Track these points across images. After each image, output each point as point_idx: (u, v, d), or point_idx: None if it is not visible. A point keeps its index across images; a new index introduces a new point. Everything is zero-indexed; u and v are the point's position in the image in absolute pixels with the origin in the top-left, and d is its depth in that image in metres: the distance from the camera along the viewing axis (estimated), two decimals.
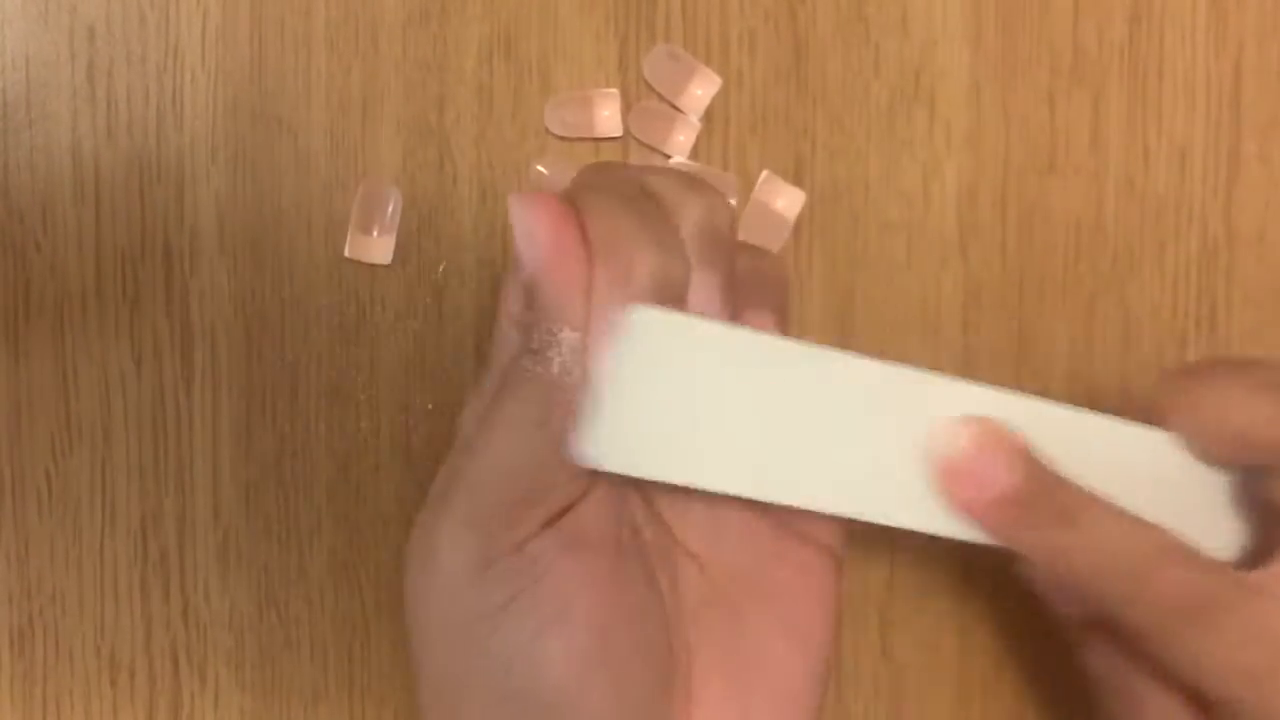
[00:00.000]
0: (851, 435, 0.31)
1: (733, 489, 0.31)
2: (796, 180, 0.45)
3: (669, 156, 0.45)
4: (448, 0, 0.44)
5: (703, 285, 0.31)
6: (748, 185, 0.45)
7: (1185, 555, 0.32)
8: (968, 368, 0.45)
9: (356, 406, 0.45)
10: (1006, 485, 0.31)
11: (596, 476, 0.31)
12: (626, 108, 0.45)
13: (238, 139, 0.44)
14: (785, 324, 0.34)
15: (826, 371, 0.31)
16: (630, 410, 0.30)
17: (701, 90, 0.45)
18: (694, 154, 0.45)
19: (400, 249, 0.44)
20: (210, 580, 0.45)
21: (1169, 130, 0.45)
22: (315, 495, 0.45)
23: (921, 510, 0.32)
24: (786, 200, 0.45)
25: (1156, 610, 0.31)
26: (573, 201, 0.30)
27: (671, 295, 0.30)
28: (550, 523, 0.30)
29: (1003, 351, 0.45)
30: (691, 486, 0.30)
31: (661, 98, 0.45)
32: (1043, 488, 0.32)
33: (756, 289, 0.33)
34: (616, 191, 0.31)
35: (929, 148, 0.45)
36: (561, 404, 0.29)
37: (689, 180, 0.32)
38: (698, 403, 0.30)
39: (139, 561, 0.45)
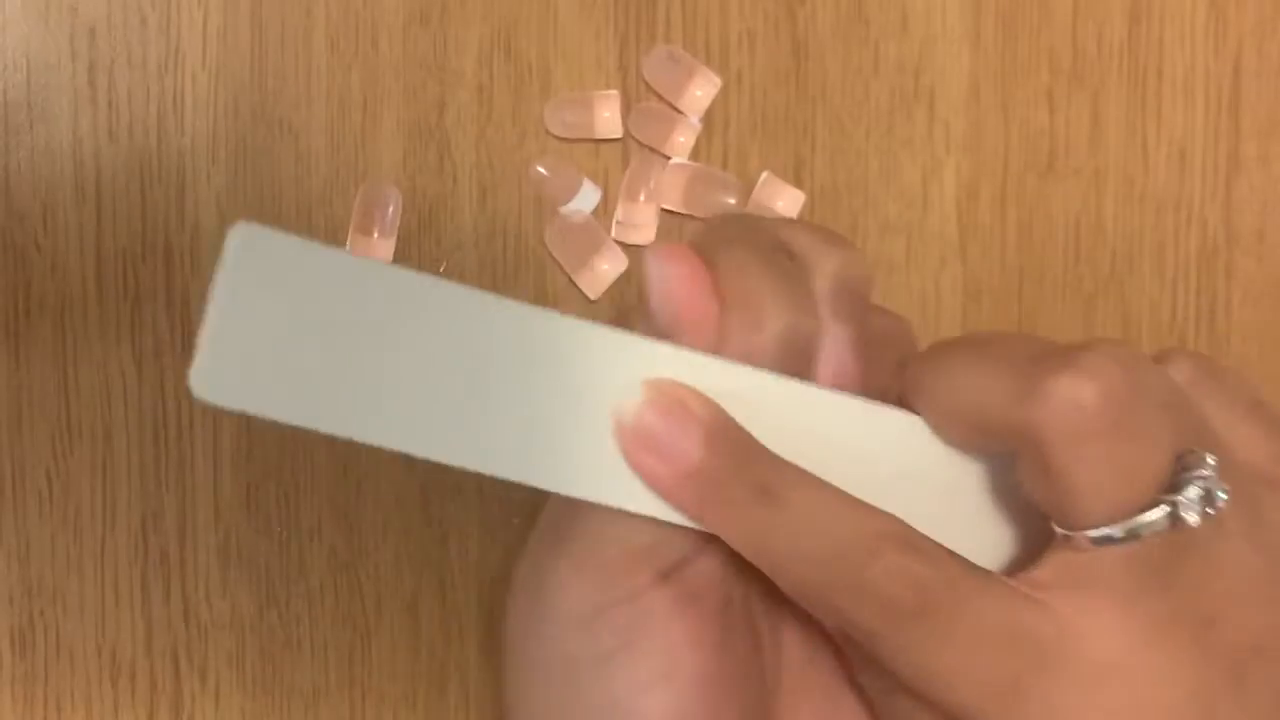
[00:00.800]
0: (526, 392, 0.28)
1: (372, 438, 0.28)
2: (796, 181, 0.45)
3: (669, 157, 0.45)
4: (448, 0, 0.44)
5: (836, 340, 0.30)
6: (748, 186, 0.45)
7: (910, 543, 0.28)
8: None
9: None
10: (694, 457, 0.28)
11: (713, 536, 0.29)
12: (626, 109, 0.45)
13: (238, 139, 0.44)
14: None
15: (498, 319, 0.28)
16: (245, 342, 0.27)
17: (701, 91, 0.45)
18: (694, 155, 0.45)
19: (400, 249, 0.45)
20: (211, 580, 0.45)
21: (1168, 130, 0.45)
22: (315, 495, 0.45)
23: (614, 484, 0.28)
24: (786, 201, 0.45)
25: (875, 606, 0.27)
26: (706, 254, 0.30)
27: (800, 351, 0.29)
28: (665, 576, 0.29)
29: None
30: (327, 431, 0.27)
31: (661, 99, 0.45)
32: (738, 461, 0.28)
33: (889, 349, 0.32)
34: (751, 243, 0.30)
35: (929, 148, 0.45)
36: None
37: (825, 234, 0.31)
38: (327, 339, 0.27)
39: (139, 561, 0.45)
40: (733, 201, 0.45)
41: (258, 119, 0.44)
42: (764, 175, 0.45)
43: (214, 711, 0.45)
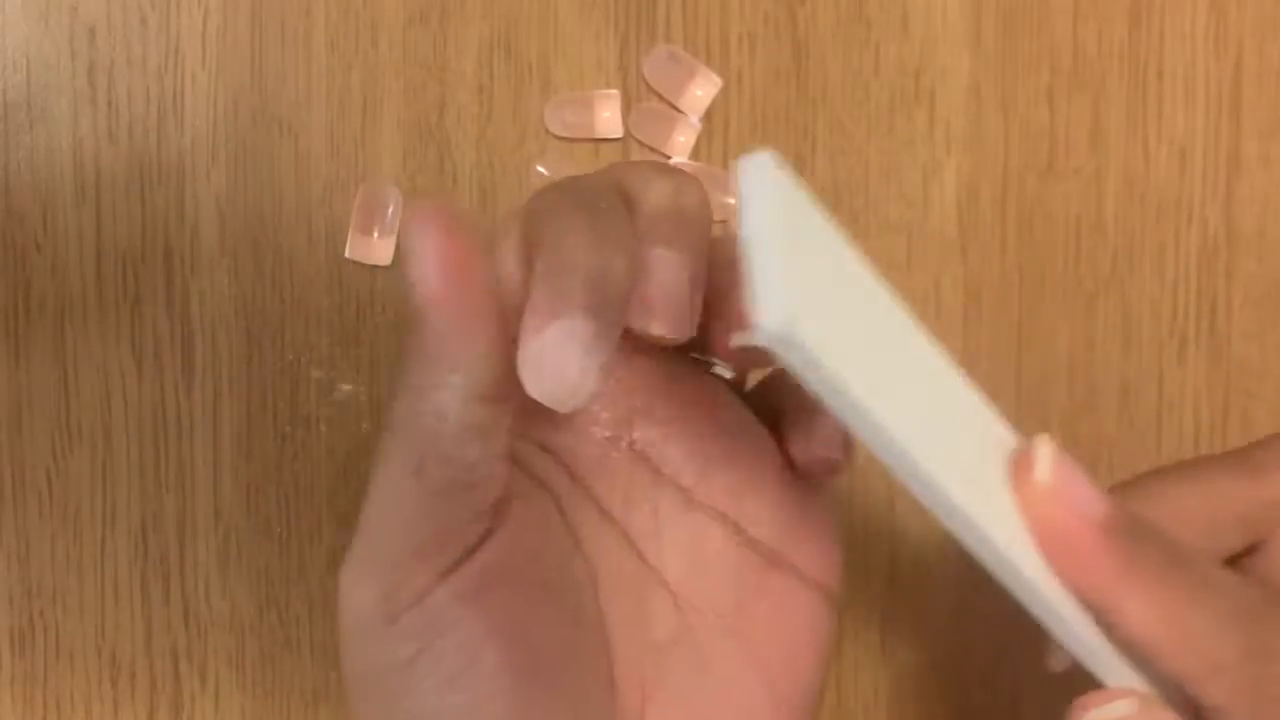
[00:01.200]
0: (959, 428, 0.29)
1: (891, 426, 0.27)
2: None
3: (669, 157, 0.45)
4: (448, 1, 0.44)
5: (663, 263, 0.28)
6: None
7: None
8: (968, 367, 0.45)
9: (356, 406, 0.45)
10: (1100, 509, 0.29)
11: (497, 518, 0.28)
12: (627, 108, 0.45)
13: (238, 140, 0.44)
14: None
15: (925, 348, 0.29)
16: (794, 277, 0.25)
17: (702, 91, 0.45)
18: (694, 154, 0.45)
19: (400, 249, 0.45)
20: (211, 581, 0.45)
21: (1169, 130, 0.45)
22: (315, 495, 0.45)
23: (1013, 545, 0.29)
24: None
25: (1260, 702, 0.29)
26: (531, 225, 0.28)
27: (617, 290, 0.27)
28: (449, 572, 0.28)
29: (1003, 351, 0.45)
30: (859, 404, 0.26)
31: (662, 98, 0.45)
32: (1139, 524, 0.29)
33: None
34: (566, 194, 0.28)
35: (929, 148, 0.45)
36: (436, 453, 0.27)
37: (654, 167, 0.30)
38: (842, 295, 0.27)
39: (139, 562, 0.45)
40: (733, 202, 0.45)
41: (258, 119, 0.44)
42: None
43: (214, 711, 0.45)
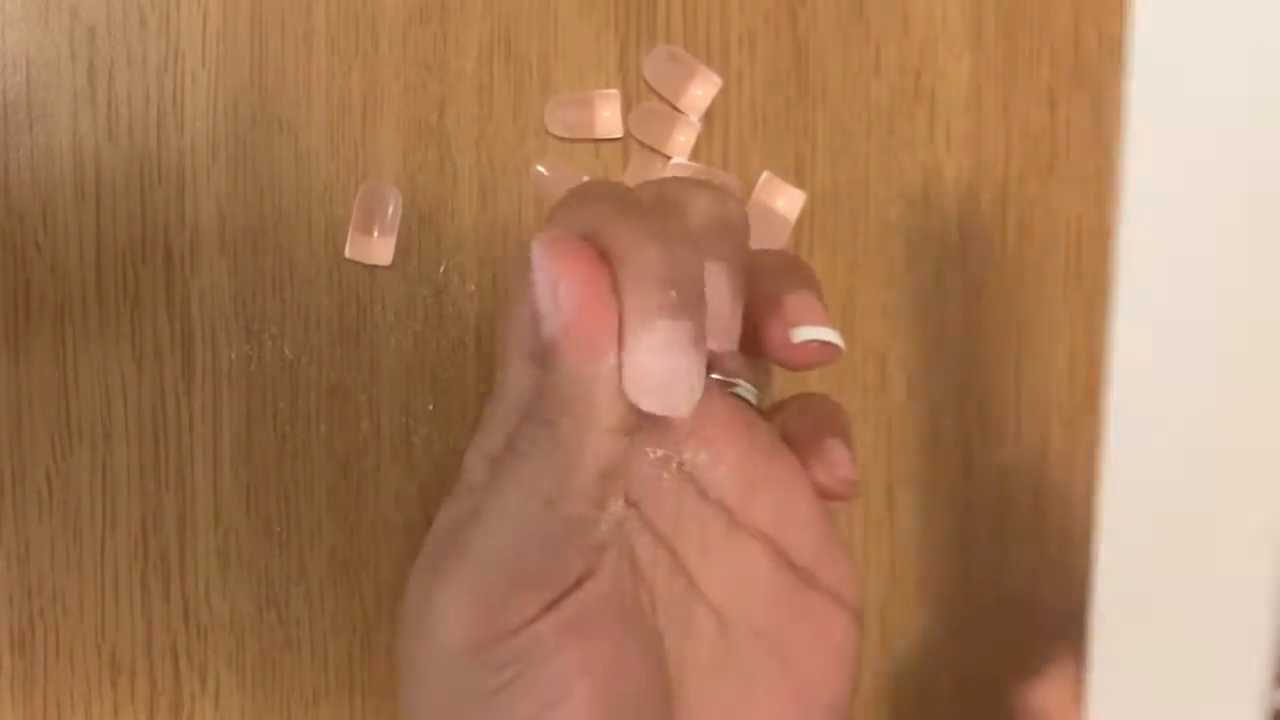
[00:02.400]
0: None
1: None
2: (797, 181, 0.45)
3: (669, 157, 0.45)
4: (448, 0, 0.44)
5: (712, 276, 0.28)
6: (748, 186, 0.45)
7: None
8: (967, 367, 0.45)
9: (356, 406, 0.45)
10: None
11: (600, 553, 0.29)
12: (627, 108, 0.45)
13: (238, 139, 0.44)
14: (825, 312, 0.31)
15: None
16: None
17: (702, 91, 0.45)
18: (694, 154, 0.45)
19: (400, 249, 0.45)
20: (210, 581, 0.45)
21: None
22: (315, 495, 0.45)
23: None
24: (787, 201, 0.45)
25: None
26: (595, 239, 0.27)
27: (697, 294, 0.28)
28: (554, 604, 0.28)
29: (1003, 352, 0.45)
30: None
31: (662, 98, 0.45)
32: None
33: (770, 283, 0.31)
34: (626, 203, 0.28)
35: (929, 148, 0.45)
36: (573, 485, 0.27)
37: (692, 180, 0.30)
38: None
39: (139, 562, 0.45)
40: None
41: (258, 119, 0.44)
42: (764, 175, 0.45)
43: (214, 712, 0.45)
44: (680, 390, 0.27)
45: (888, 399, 0.45)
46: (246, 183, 0.44)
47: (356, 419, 0.45)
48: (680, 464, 0.30)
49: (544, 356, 0.27)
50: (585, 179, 0.44)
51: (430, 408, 0.45)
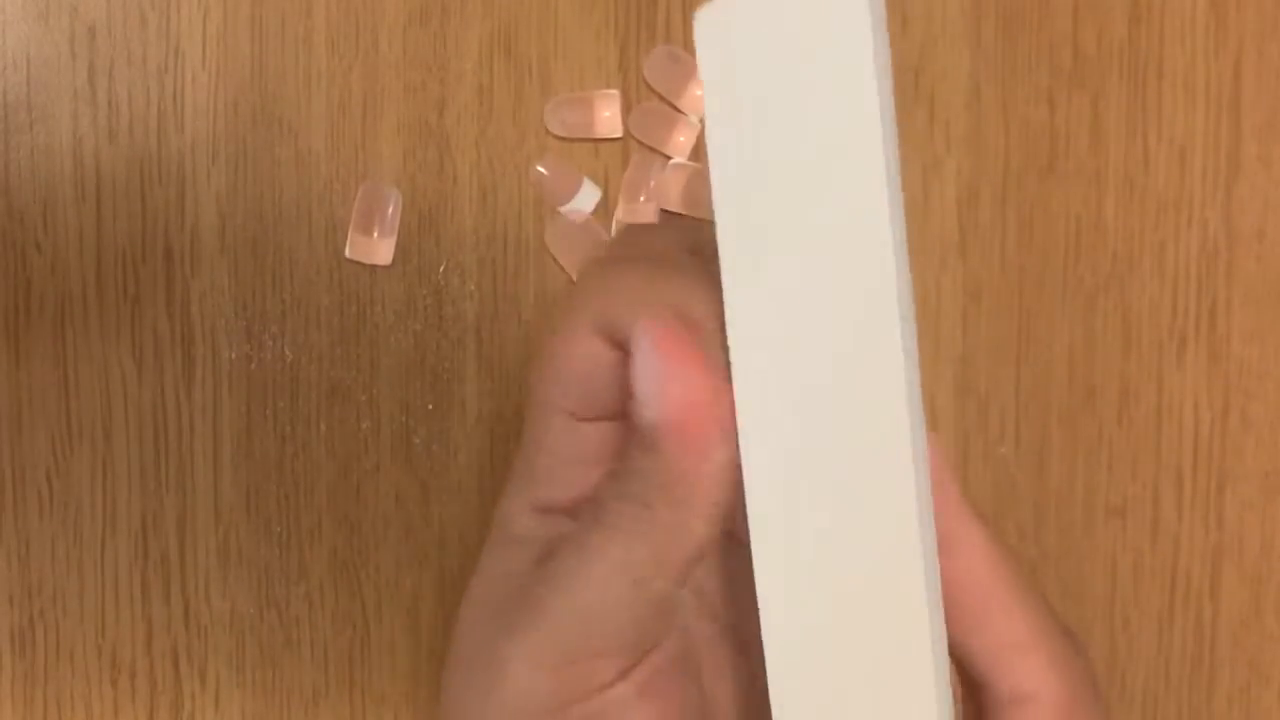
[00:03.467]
0: None
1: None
2: None
3: (669, 157, 0.45)
4: (448, 0, 0.44)
5: None
6: None
7: None
8: (967, 367, 0.45)
9: (356, 406, 0.45)
10: None
11: (676, 618, 0.29)
12: (627, 108, 0.45)
13: (238, 139, 0.44)
14: None
15: None
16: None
17: (702, 91, 0.45)
18: (694, 155, 0.45)
19: (400, 249, 0.45)
20: (211, 580, 0.45)
21: (1169, 130, 0.45)
22: (315, 495, 0.45)
23: None
24: None
25: None
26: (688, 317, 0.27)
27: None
28: (627, 671, 0.28)
29: (1003, 352, 0.45)
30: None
31: (662, 98, 0.45)
32: None
33: None
34: (701, 272, 0.28)
35: (929, 148, 0.45)
36: (666, 569, 0.27)
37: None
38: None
39: (139, 562, 0.45)
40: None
41: (258, 119, 0.44)
42: None
43: (214, 711, 0.45)
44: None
45: None
46: (246, 183, 0.44)
47: (356, 419, 0.45)
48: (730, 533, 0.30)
49: (642, 439, 0.27)
50: (584, 178, 0.44)
51: (430, 408, 0.45)
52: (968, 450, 0.45)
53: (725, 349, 0.26)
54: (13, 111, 0.44)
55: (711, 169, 0.24)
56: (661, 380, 0.26)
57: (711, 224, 0.27)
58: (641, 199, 0.44)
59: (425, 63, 0.44)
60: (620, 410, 0.28)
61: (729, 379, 0.26)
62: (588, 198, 0.45)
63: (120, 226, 0.44)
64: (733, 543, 0.30)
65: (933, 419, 0.45)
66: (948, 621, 0.26)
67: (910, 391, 0.23)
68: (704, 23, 0.23)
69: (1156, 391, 0.45)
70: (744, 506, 0.26)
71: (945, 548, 0.27)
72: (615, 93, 0.45)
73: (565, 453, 0.29)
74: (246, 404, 0.45)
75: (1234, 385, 0.45)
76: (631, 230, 0.30)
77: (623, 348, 0.27)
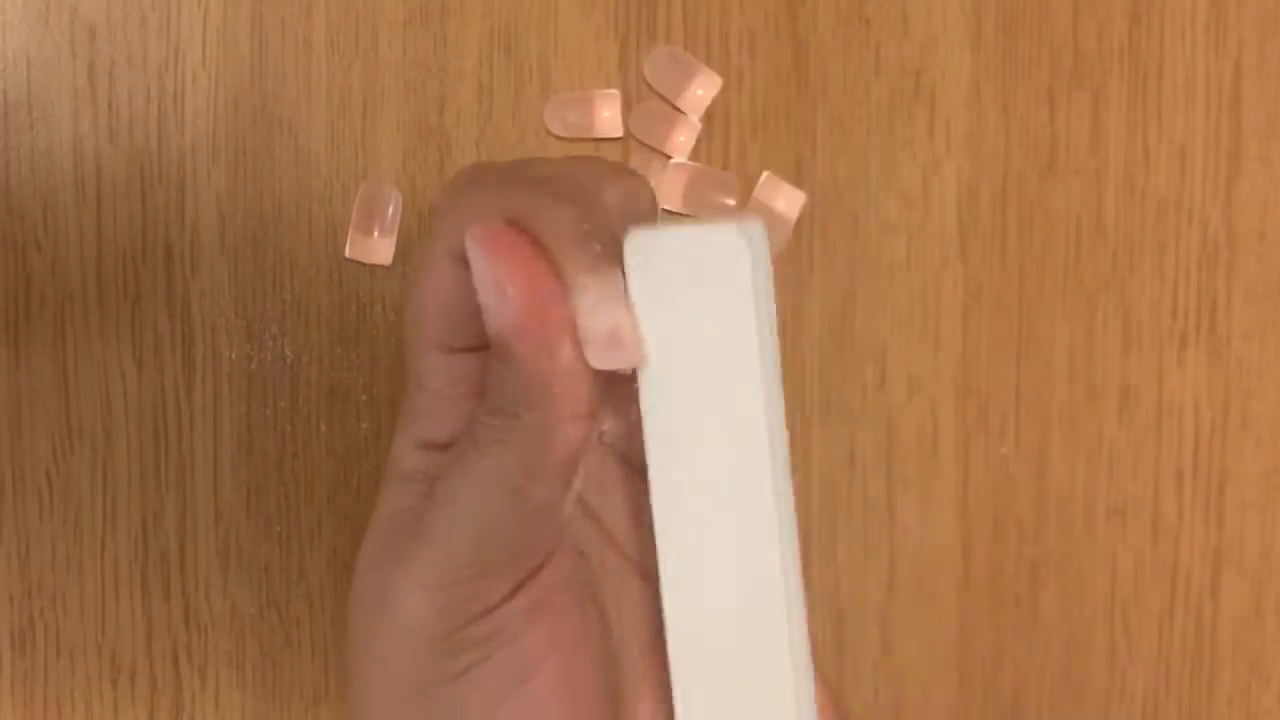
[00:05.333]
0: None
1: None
2: (797, 180, 0.45)
3: (669, 157, 0.45)
4: (448, 0, 0.44)
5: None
6: (748, 185, 0.45)
7: None
8: (967, 367, 0.45)
9: (356, 406, 0.45)
10: None
11: (560, 533, 0.29)
12: (627, 108, 0.45)
13: (239, 139, 0.44)
14: None
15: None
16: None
17: (702, 90, 0.45)
18: (694, 154, 0.45)
19: (400, 249, 0.45)
20: (211, 580, 0.45)
21: (1169, 130, 0.45)
22: (315, 495, 0.45)
23: None
24: (787, 200, 0.45)
25: None
26: (527, 227, 0.27)
27: (614, 251, 0.28)
28: (521, 585, 0.28)
29: (1003, 351, 0.45)
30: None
31: (662, 98, 0.45)
32: None
33: None
34: (536, 177, 0.28)
35: (929, 148, 0.45)
36: (539, 474, 0.27)
37: (613, 167, 0.30)
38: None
39: (140, 562, 0.45)
40: (732, 202, 0.45)
41: (258, 119, 0.44)
42: (764, 175, 0.45)
43: (214, 712, 0.45)
44: (628, 340, 0.27)
45: (887, 399, 0.45)
46: (246, 183, 0.44)
47: (356, 419, 0.45)
48: (601, 434, 0.31)
49: (496, 349, 0.27)
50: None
51: None
52: (968, 450, 0.45)
53: (571, 255, 0.27)
54: (13, 111, 0.44)
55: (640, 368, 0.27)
56: (498, 284, 0.26)
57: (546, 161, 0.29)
58: None
59: (425, 62, 0.44)
60: (484, 338, 0.28)
61: (563, 281, 0.27)
62: None
63: (120, 226, 0.44)
64: (634, 473, 0.30)
65: (933, 419, 0.45)
66: None
67: (794, 645, 0.27)
68: (630, 247, 0.26)
69: (1157, 391, 0.45)
70: (639, 433, 0.28)
71: None
72: (615, 92, 0.45)
73: (440, 387, 0.29)
74: (246, 404, 0.45)
75: (1234, 385, 0.45)
76: (479, 164, 0.30)
77: None
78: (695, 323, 0.27)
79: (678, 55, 0.45)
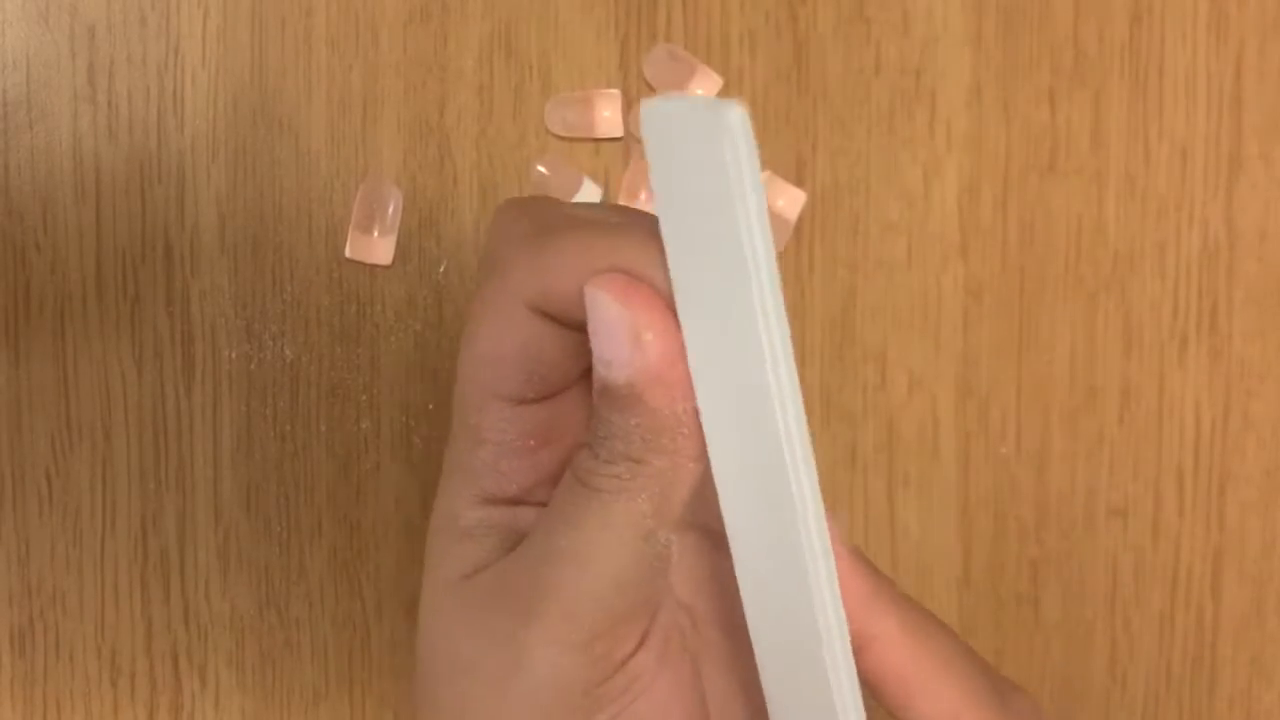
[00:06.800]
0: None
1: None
2: (798, 180, 0.45)
3: None
4: (448, 0, 0.44)
5: None
6: None
7: None
8: (968, 367, 0.45)
9: (356, 406, 0.45)
10: None
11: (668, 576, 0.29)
12: (627, 108, 0.45)
13: (238, 139, 0.44)
14: None
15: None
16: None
17: (702, 90, 0.45)
18: None
19: (400, 249, 0.44)
20: (211, 581, 0.45)
21: (1169, 130, 0.45)
22: (315, 495, 0.45)
23: None
24: (787, 200, 0.45)
25: None
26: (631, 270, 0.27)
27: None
28: (647, 634, 0.28)
29: (1003, 351, 0.45)
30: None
31: None
32: None
33: None
34: (643, 243, 0.28)
35: (929, 148, 0.45)
36: (669, 520, 0.27)
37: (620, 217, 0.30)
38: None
39: (139, 562, 0.45)
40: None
41: (258, 119, 0.44)
42: (765, 175, 0.45)
43: (214, 712, 0.45)
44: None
45: (888, 399, 0.45)
46: (246, 183, 0.44)
47: (356, 419, 0.45)
48: None
49: (612, 399, 0.27)
50: (584, 177, 0.44)
51: (430, 408, 0.45)
52: (969, 450, 0.45)
53: (671, 303, 0.27)
54: (13, 111, 0.44)
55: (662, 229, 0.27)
56: (632, 335, 0.26)
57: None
58: (642, 198, 0.44)
59: (425, 62, 0.44)
60: (556, 388, 0.28)
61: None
62: (588, 197, 0.44)
63: (120, 226, 0.44)
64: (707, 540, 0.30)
65: (933, 419, 0.45)
66: (880, 698, 0.30)
67: (798, 481, 0.26)
68: (645, 114, 0.26)
69: (1158, 391, 0.45)
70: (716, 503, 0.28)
71: (857, 645, 0.29)
72: (616, 92, 0.45)
73: (507, 440, 0.29)
74: (246, 404, 0.45)
75: (1235, 385, 0.45)
76: (526, 203, 0.30)
77: (565, 321, 0.27)
78: (696, 195, 0.26)
79: (678, 54, 0.45)
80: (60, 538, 0.45)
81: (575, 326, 0.27)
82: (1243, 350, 0.45)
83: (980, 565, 0.46)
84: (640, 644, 0.28)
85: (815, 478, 0.27)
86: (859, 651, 0.29)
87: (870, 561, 0.32)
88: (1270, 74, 0.45)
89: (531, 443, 0.28)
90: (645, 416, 0.27)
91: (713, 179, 0.26)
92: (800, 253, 0.45)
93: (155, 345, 0.44)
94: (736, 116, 0.26)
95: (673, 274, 0.26)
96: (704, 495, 0.28)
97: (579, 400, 0.29)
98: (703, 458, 0.27)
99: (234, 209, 0.44)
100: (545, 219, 0.28)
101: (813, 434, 0.26)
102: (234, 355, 0.45)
